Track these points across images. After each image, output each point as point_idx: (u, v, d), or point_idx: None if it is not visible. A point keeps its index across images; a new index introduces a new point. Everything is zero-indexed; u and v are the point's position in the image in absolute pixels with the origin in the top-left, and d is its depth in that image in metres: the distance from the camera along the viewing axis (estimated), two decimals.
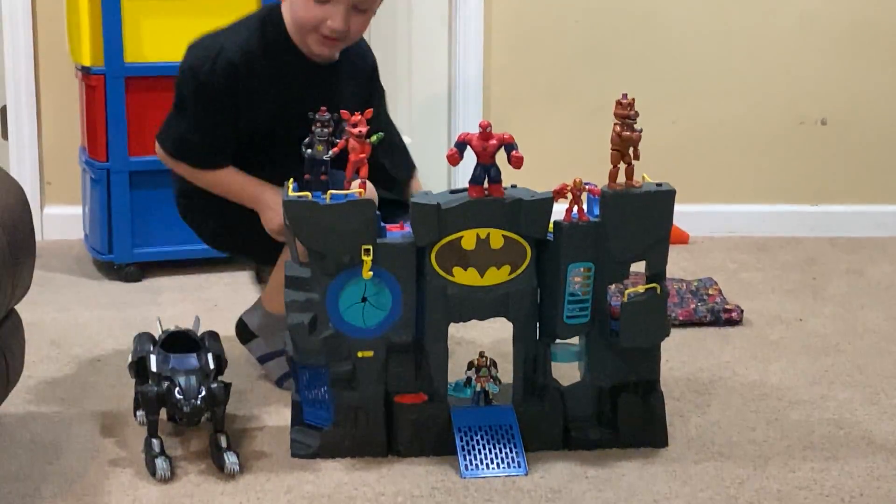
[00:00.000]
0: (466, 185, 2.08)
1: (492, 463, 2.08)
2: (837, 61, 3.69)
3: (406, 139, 2.63)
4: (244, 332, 2.48)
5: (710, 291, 2.97)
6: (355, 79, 2.45)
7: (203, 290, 3.05)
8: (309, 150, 2.11)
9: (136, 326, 2.52)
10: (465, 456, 2.08)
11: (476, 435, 2.11)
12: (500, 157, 2.07)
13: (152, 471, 2.03)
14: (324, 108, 2.16)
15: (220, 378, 2.11)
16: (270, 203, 2.28)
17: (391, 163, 2.44)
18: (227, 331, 2.45)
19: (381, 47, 3.70)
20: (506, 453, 2.09)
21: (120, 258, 3.18)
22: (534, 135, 3.48)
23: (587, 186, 2.09)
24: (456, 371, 2.28)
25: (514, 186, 2.13)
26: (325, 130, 2.11)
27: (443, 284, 2.07)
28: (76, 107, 3.32)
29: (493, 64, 3.57)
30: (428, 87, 3.64)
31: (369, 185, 2.10)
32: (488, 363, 2.16)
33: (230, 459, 2.04)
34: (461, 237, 2.06)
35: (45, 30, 3.47)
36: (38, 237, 3.68)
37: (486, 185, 2.06)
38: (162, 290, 3.06)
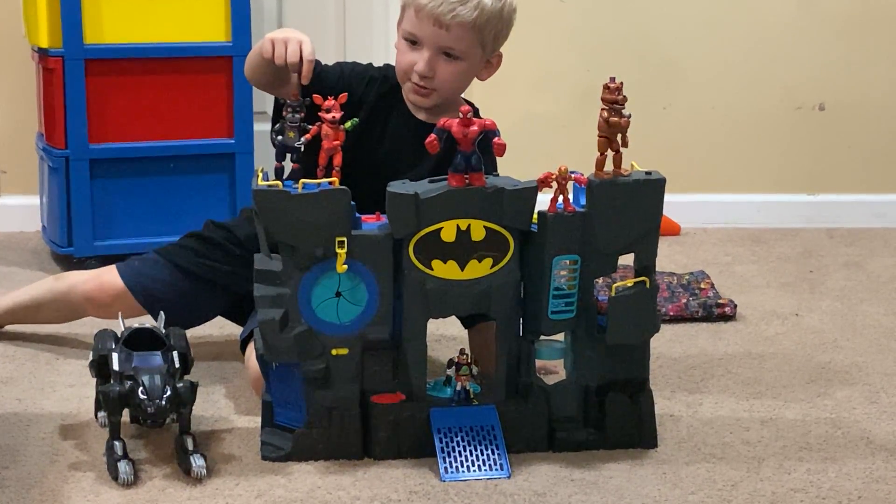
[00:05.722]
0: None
1: (473, 465, 2.09)
2: (836, 44, 3.71)
3: None
4: None
5: (703, 285, 2.99)
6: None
7: None
8: (279, 137, 2.11)
9: (98, 323, 2.52)
10: (444, 458, 2.09)
11: (456, 436, 2.12)
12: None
13: (114, 475, 2.03)
14: (295, 92, 2.16)
15: (186, 377, 2.12)
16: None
17: None
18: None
19: (359, 32, 3.71)
20: (488, 455, 2.10)
21: (80, 251, 3.17)
22: (517, 121, 3.49)
23: (573, 175, 2.10)
24: (435, 369, 2.29)
25: (496, 175, 2.14)
26: (297, 116, 2.11)
27: (421, 278, 2.08)
28: (32, 91, 3.31)
29: None
30: None
31: None
32: (469, 361, 2.17)
33: (197, 463, 2.04)
34: (440, 228, 2.06)
35: None
36: None
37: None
38: None
